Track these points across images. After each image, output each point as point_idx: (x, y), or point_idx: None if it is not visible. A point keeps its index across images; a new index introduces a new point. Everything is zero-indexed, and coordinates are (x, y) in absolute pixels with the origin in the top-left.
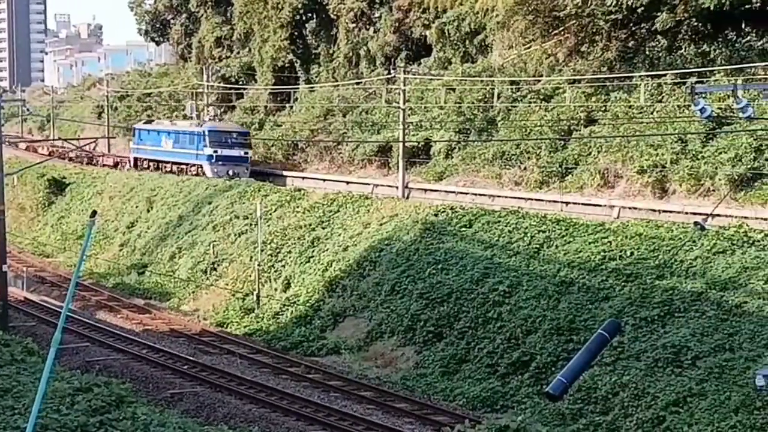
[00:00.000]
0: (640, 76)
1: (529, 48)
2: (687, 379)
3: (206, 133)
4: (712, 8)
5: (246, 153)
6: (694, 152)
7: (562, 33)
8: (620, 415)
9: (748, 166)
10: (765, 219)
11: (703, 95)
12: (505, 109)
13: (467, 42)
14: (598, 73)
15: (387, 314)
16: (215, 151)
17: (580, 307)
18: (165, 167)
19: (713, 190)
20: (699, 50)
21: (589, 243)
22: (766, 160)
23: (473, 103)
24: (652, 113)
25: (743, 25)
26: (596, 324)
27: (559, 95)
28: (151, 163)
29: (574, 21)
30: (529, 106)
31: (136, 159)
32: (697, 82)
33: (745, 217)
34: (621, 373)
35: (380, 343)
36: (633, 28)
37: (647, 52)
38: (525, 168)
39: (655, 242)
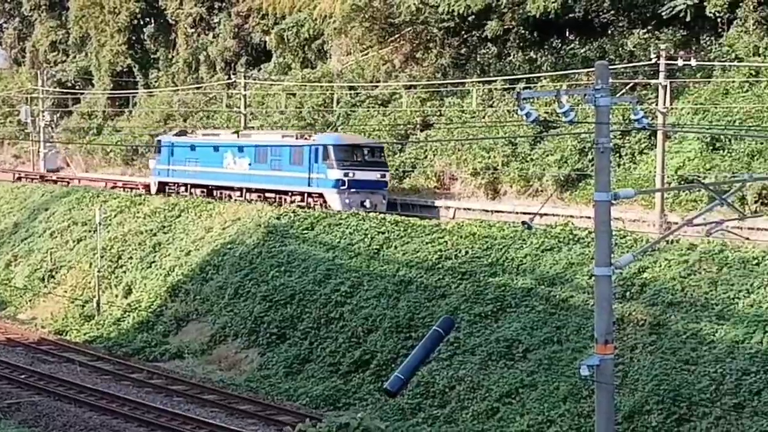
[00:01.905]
0: (472, 82)
1: (366, 54)
2: (518, 371)
3: (330, 148)
4: (537, 17)
5: (384, 176)
6: (523, 155)
7: (398, 40)
8: (457, 408)
9: (573, 168)
10: (589, 217)
11: (530, 100)
12: (344, 114)
13: (306, 48)
14: (433, 79)
15: (230, 317)
16: (346, 174)
17: (419, 305)
18: (225, 194)
19: (541, 191)
20: (526, 57)
21: (427, 243)
22: (590, 162)
23: (313, 108)
24: (483, 117)
25: (567, 34)
26: (434, 321)
27: (396, 100)
28: (194, 189)
29: (409, 28)
30: (368, 110)
31: (163, 183)
32: (525, 88)
33: (571, 216)
34: (457, 368)
35: (224, 346)
36: (465, 36)
37: (478, 59)
38: None
39: (488, 241)
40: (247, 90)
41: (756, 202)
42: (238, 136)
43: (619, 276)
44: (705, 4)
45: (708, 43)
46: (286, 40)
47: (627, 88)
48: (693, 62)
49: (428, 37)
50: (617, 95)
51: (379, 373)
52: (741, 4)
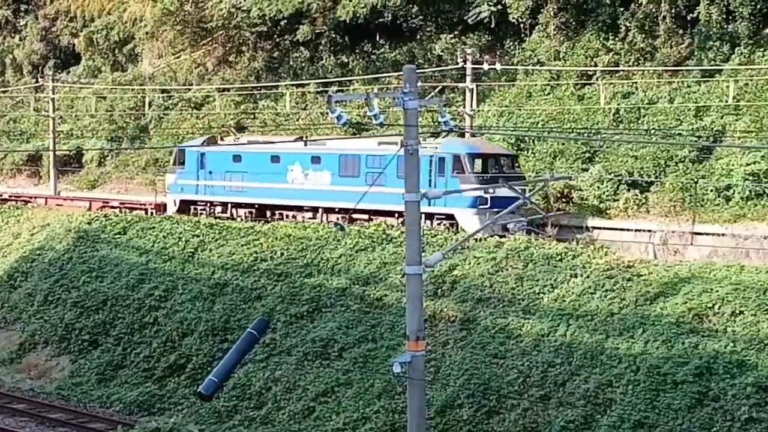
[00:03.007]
0: (285, 85)
1: (179, 57)
2: (334, 371)
3: (464, 157)
4: (348, 21)
5: (524, 192)
6: None
7: (211, 43)
8: (273, 409)
9: None
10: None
11: (341, 103)
12: (157, 117)
13: (117, 51)
14: (246, 82)
15: (40, 325)
16: (487, 190)
17: (235, 307)
18: (287, 215)
19: None
20: (338, 61)
21: (242, 245)
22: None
23: (125, 111)
24: (297, 120)
25: (378, 38)
26: (250, 323)
27: (210, 103)
28: (238, 210)
29: (221, 32)
30: (181, 113)
31: (188, 202)
32: (337, 91)
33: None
34: (273, 369)
35: (33, 355)
36: (278, 40)
37: (291, 63)
38: None
39: (303, 243)
40: (55, 93)
41: (557, 200)
42: (306, 144)
43: (431, 274)
44: (508, 10)
45: (512, 47)
46: (95, 43)
47: (436, 91)
48: (498, 66)
49: (241, 41)
50: (426, 98)
51: (194, 376)
52: (542, 10)
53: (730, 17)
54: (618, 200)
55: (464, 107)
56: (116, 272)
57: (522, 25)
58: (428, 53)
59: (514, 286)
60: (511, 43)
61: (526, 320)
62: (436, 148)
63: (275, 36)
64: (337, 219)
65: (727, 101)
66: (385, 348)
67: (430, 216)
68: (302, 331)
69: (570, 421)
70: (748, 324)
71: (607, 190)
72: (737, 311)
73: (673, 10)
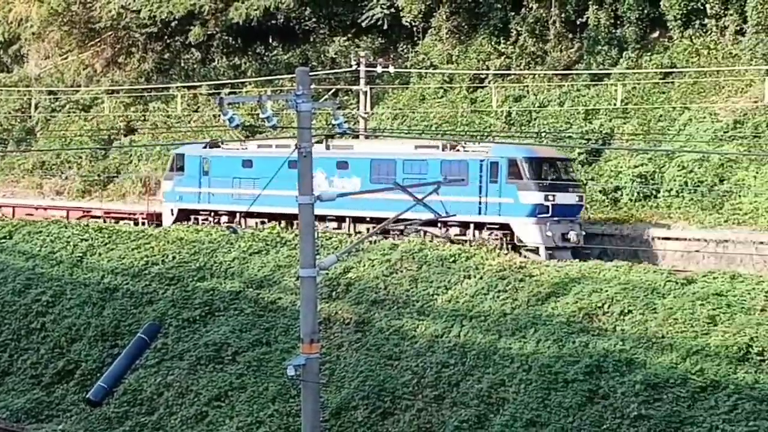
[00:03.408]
0: (176, 87)
1: (66, 58)
2: (228, 375)
3: (522, 162)
4: (240, 23)
5: (581, 198)
6: None
7: (99, 44)
8: (165, 414)
9: None
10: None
11: (233, 106)
12: (44, 119)
13: (2, 52)
14: (136, 84)
15: None
16: (547, 197)
17: (125, 312)
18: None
19: None
20: (231, 63)
21: (132, 249)
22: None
23: (10, 113)
24: (189, 122)
25: (271, 40)
26: (141, 328)
27: (99, 105)
28: (247, 219)
29: (110, 33)
30: (69, 116)
31: (187, 211)
32: (230, 93)
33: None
34: (165, 374)
35: None
36: (168, 41)
37: (183, 64)
38: (66, 177)
39: (195, 246)
40: None
41: None
42: (328, 147)
43: (325, 276)
44: (401, 13)
45: (405, 50)
46: None
47: (329, 93)
48: (391, 69)
49: (130, 42)
50: (320, 101)
51: (83, 383)
52: (435, 13)
53: (618, 22)
54: None
55: (358, 110)
56: (1, 278)
57: (415, 29)
58: (322, 56)
59: (409, 287)
60: (405, 46)
61: (421, 321)
62: (486, 152)
63: (166, 37)
64: (367, 229)
65: (615, 104)
66: (279, 351)
67: (479, 225)
68: (195, 335)
69: (464, 420)
70: (636, 323)
71: None
72: (626, 310)
73: (562, 15)
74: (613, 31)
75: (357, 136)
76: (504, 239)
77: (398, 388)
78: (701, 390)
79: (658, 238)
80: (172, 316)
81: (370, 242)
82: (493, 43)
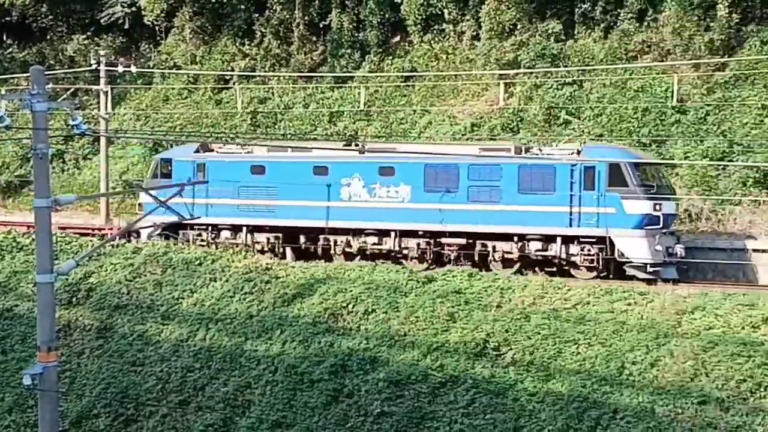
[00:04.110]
0: None
1: None
2: None
3: (626, 167)
4: None
5: (677, 207)
6: None
7: None
8: None
9: (15, 174)
10: (32, 225)
11: None
12: None
13: None
14: None
15: None
16: (655, 207)
17: None
18: (337, 241)
19: None
20: None
21: None
22: (32, 168)
23: None
24: None
25: (5, 37)
26: None
27: None
28: (256, 235)
29: None
30: None
31: (176, 226)
32: None
33: (15, 223)
34: None
35: None
36: None
37: None
38: None
39: None
40: None
41: None
42: (362, 151)
43: (65, 282)
44: (143, 12)
45: (148, 50)
46: None
47: (68, 93)
48: (133, 69)
49: None
50: (57, 100)
51: None
52: (177, 13)
53: (361, 26)
54: None
55: (99, 110)
56: None
57: (157, 28)
58: (60, 54)
59: (153, 291)
60: (147, 46)
61: (165, 326)
62: (577, 154)
63: None
64: (418, 244)
65: (359, 106)
66: (16, 360)
67: (568, 239)
68: None
69: (209, 424)
70: (379, 321)
71: None
72: (370, 309)
73: (306, 18)
74: (356, 34)
75: (95, 137)
76: (599, 254)
77: (142, 395)
78: (441, 385)
79: (754, 251)
80: None
81: (113, 246)
82: (237, 44)
